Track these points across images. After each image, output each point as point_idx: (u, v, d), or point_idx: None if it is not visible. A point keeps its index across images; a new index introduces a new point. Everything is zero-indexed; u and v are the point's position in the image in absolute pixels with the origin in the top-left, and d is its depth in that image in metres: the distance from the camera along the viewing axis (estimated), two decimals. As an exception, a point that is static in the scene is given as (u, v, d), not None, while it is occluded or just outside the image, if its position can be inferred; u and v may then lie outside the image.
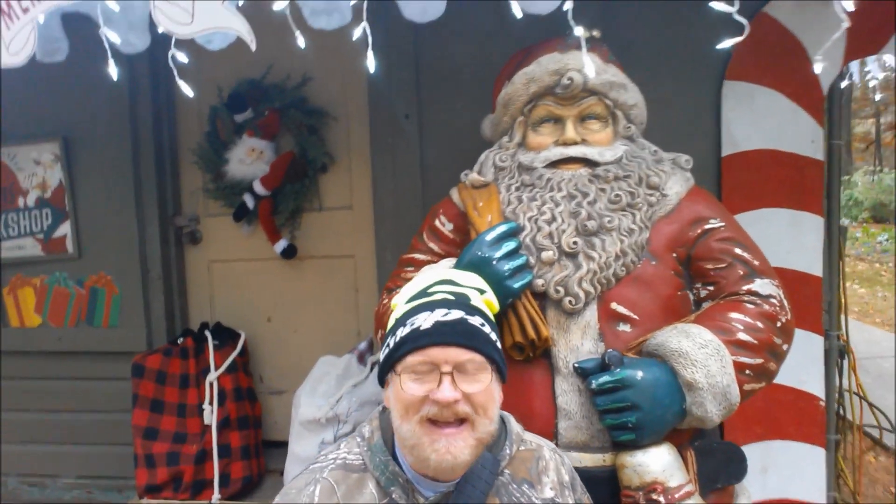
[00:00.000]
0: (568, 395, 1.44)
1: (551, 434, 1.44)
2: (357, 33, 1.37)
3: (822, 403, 2.24)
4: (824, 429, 2.25)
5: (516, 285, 1.41)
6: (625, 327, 1.47)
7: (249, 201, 2.59)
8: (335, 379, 2.32)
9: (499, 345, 1.10)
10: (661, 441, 1.38)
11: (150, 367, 2.52)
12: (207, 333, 2.63)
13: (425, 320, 1.03)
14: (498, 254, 1.41)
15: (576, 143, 1.59)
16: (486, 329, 1.08)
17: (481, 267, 1.40)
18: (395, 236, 2.48)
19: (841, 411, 2.56)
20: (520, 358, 1.47)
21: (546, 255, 1.46)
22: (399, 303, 1.12)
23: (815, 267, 2.22)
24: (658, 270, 1.51)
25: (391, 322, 1.10)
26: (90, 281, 2.68)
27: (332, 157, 2.64)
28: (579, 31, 1.35)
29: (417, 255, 1.74)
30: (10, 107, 2.66)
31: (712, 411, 1.36)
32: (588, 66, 1.42)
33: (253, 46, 1.36)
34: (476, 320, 1.06)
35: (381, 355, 1.09)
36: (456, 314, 1.05)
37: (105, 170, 2.62)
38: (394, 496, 1.04)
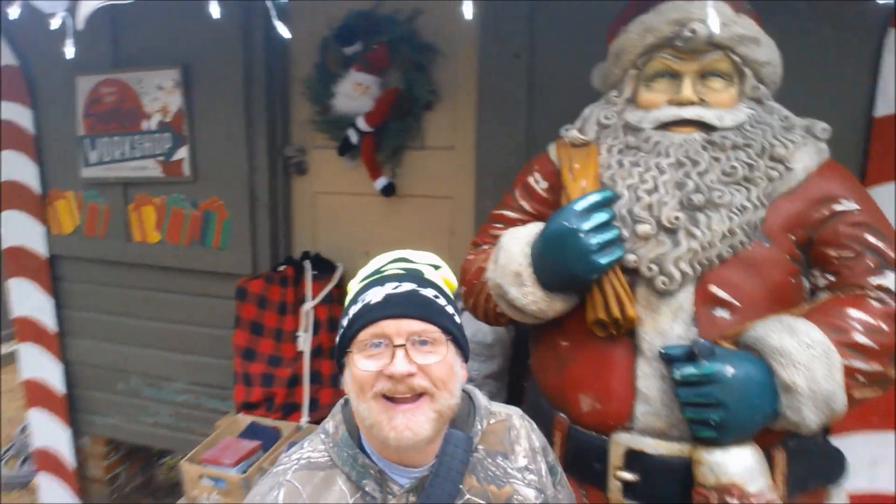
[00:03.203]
0: (649, 379, 1.34)
1: (627, 416, 1.36)
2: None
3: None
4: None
5: (603, 261, 1.30)
6: (723, 313, 1.34)
7: (353, 137, 2.58)
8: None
9: (457, 319, 1.06)
10: (746, 441, 1.26)
11: (253, 292, 2.64)
12: (306, 264, 2.72)
13: (376, 294, 1.00)
14: (587, 225, 1.29)
15: (692, 104, 1.42)
16: (441, 301, 1.04)
17: (567, 239, 1.30)
18: (495, 181, 2.39)
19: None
20: (602, 335, 1.38)
21: (642, 228, 1.34)
22: (354, 283, 1.09)
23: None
24: (771, 254, 1.35)
25: (346, 303, 1.06)
26: (204, 204, 2.82)
27: (438, 94, 2.55)
28: None
29: (507, 212, 1.67)
30: (135, 33, 2.77)
31: (809, 418, 1.21)
32: (712, 18, 1.24)
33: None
34: (429, 292, 1.03)
35: (337, 338, 1.05)
36: (407, 286, 1.02)
37: (220, 98, 2.69)
38: (367, 489, 1.00)
